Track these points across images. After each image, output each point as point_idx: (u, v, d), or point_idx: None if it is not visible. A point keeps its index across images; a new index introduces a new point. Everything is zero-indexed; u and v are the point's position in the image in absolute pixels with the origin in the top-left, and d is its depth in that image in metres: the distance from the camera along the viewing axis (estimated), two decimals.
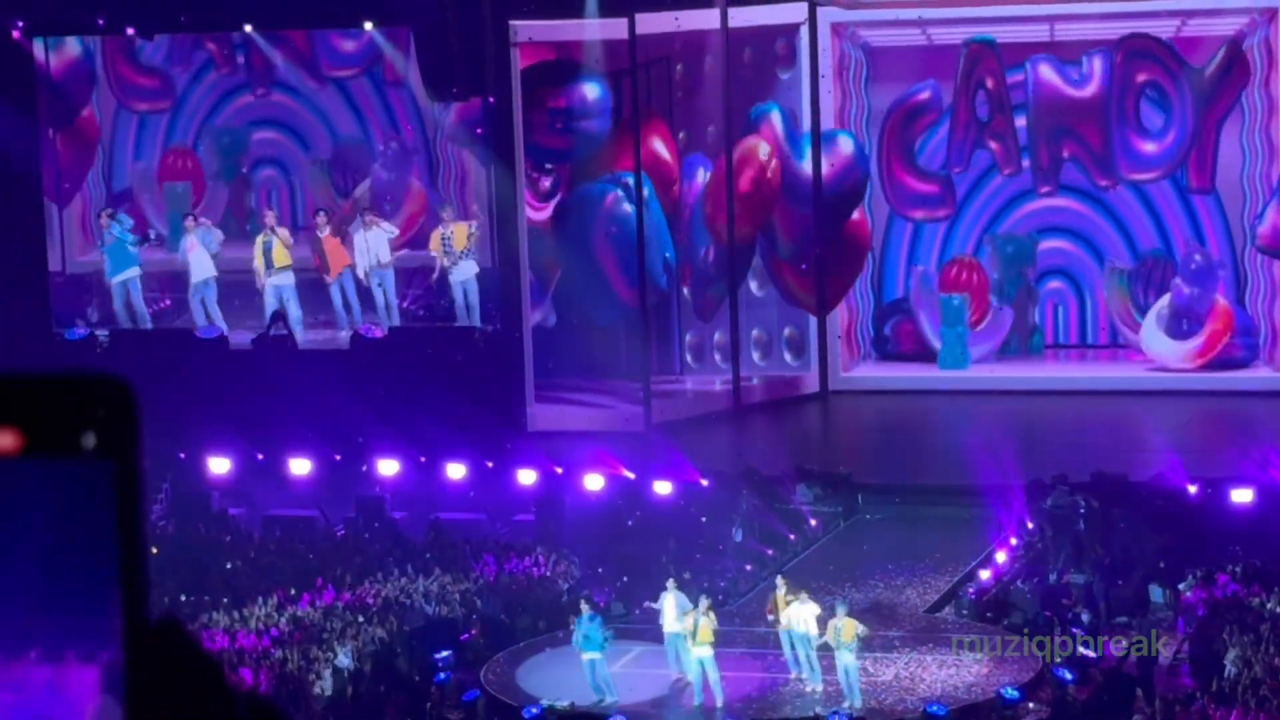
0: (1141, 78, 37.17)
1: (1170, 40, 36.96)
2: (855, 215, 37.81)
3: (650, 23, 35.49)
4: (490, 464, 32.12)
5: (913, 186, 38.66)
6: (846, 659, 23.66)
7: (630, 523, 29.86)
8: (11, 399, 2.37)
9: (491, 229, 34.85)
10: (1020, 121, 37.91)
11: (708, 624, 23.97)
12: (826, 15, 37.66)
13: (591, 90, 35.42)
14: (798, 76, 37.71)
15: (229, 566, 29.85)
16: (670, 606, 24.52)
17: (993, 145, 38.13)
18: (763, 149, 36.19)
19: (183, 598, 28.12)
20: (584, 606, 24.84)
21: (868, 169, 37.75)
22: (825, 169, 36.85)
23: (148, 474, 2.43)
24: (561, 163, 36.34)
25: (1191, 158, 37.27)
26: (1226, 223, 37.91)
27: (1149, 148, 37.42)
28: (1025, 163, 38.08)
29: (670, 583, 24.94)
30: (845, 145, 37.25)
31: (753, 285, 38.01)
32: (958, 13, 37.63)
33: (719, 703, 23.66)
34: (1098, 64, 37.39)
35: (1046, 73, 37.54)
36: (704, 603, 24.39)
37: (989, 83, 37.86)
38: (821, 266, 37.22)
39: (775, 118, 36.90)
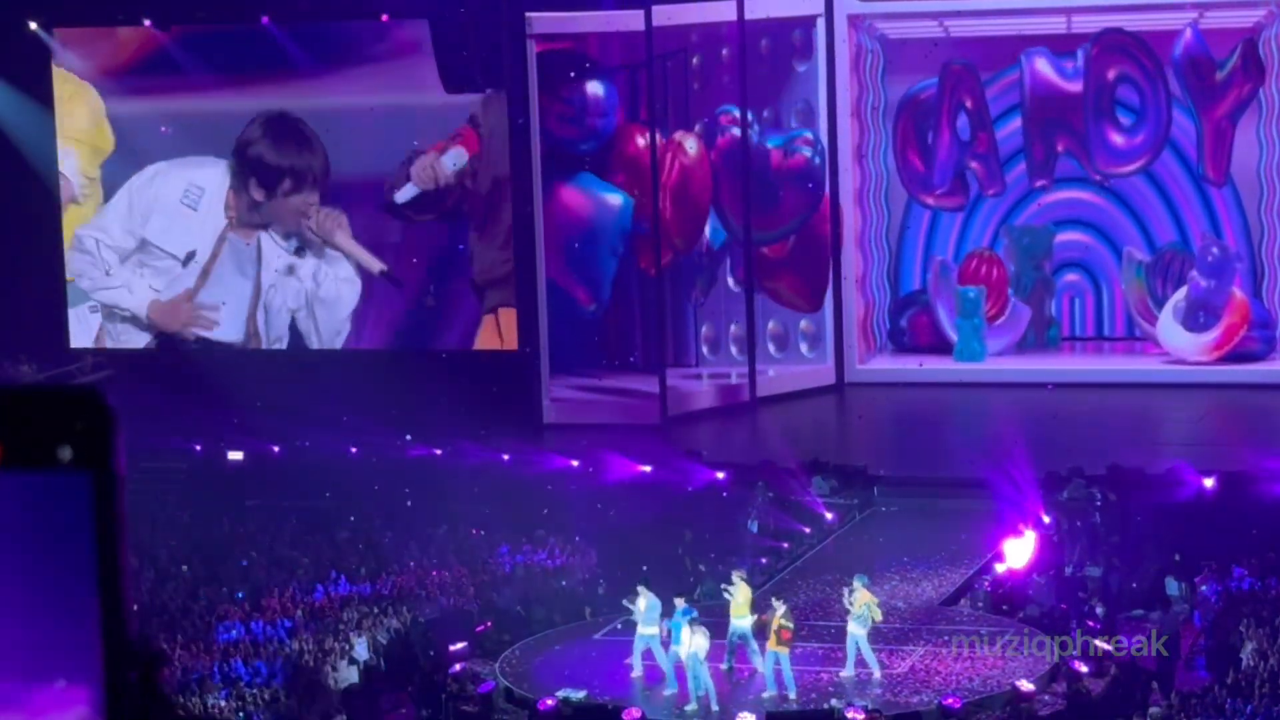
0: (1113, 73, 37.14)
1: (1180, 34, 36.87)
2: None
3: (666, 14, 35.48)
4: (506, 455, 32.13)
5: (926, 173, 38.68)
6: (855, 630, 23.68)
7: (645, 514, 29.81)
8: None
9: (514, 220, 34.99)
10: (1015, 125, 38.00)
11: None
12: (843, 7, 37.65)
13: (598, 87, 35.58)
14: (814, 68, 37.70)
15: (241, 561, 29.84)
16: (643, 606, 24.28)
17: (974, 165, 38.19)
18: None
19: (200, 590, 28.15)
20: (678, 601, 24.07)
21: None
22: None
23: (127, 480, 2.43)
24: (572, 153, 36.41)
25: (1206, 151, 37.22)
26: (1244, 215, 37.85)
27: (1120, 140, 37.42)
28: (1008, 178, 38.26)
29: (641, 586, 24.64)
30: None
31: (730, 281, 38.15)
32: (974, 4, 37.61)
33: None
34: (1082, 57, 37.46)
35: (1041, 66, 37.55)
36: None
37: (969, 103, 37.91)
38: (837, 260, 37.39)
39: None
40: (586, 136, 35.80)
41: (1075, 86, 37.39)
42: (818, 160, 37.26)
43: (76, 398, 2.39)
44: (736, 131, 36.73)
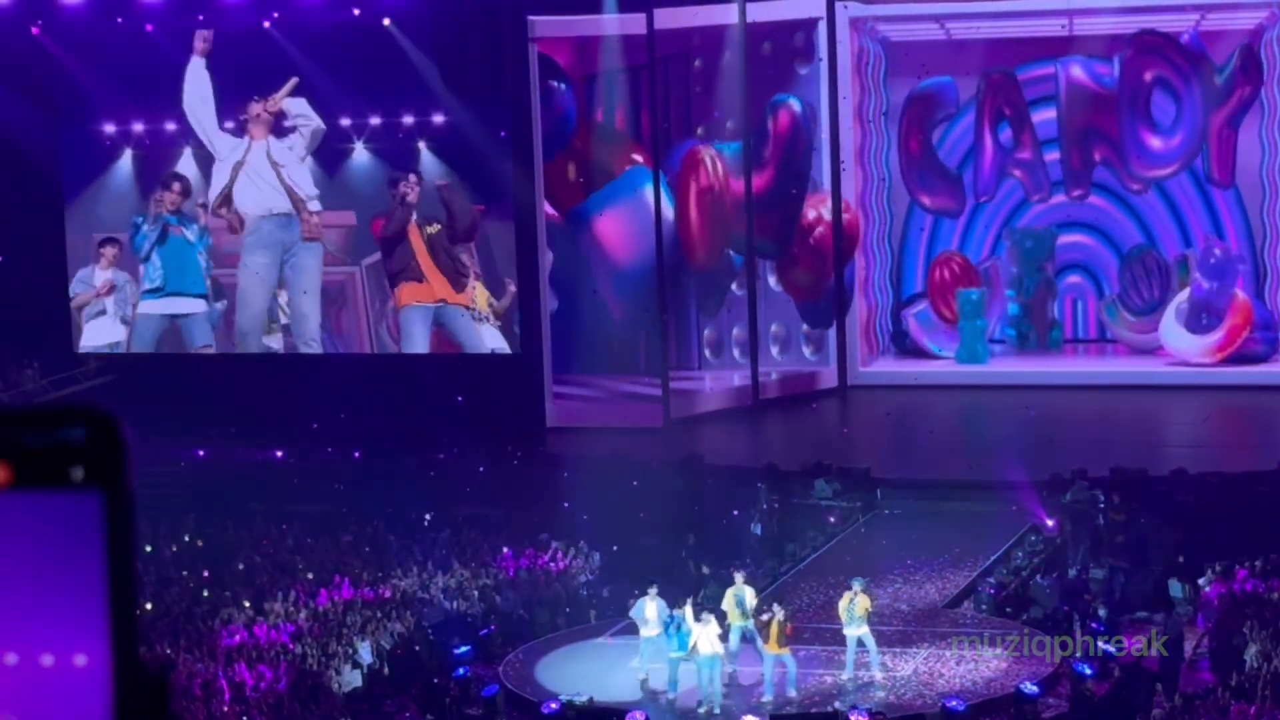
0: (1150, 75, 37.13)
1: (1180, 36, 36.87)
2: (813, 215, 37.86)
3: (668, 17, 35.47)
4: (509, 459, 32.12)
5: (929, 176, 38.73)
6: (861, 630, 23.67)
7: (649, 517, 29.81)
8: None
9: (515, 223, 34.95)
10: (1048, 114, 37.96)
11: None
12: (845, 9, 37.65)
13: (559, 88, 35.57)
14: (816, 71, 37.69)
15: (242, 565, 29.84)
16: (652, 612, 24.25)
17: (1017, 174, 38.22)
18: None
19: (204, 593, 28.17)
20: (689, 608, 24.04)
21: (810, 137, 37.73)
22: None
23: (137, 498, 2.45)
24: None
25: (1211, 152, 37.23)
26: (1246, 217, 37.85)
27: (1158, 144, 37.40)
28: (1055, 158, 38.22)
29: (651, 589, 24.60)
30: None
31: (771, 280, 38.04)
32: (976, 7, 37.61)
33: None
34: (1120, 63, 37.42)
35: (1076, 73, 37.55)
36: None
37: (1008, 112, 37.95)
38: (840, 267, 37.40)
39: (794, 105, 37.00)
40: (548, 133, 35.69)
41: (1109, 91, 37.39)
42: (801, 109, 37.09)
43: (87, 416, 2.41)
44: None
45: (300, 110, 35.58)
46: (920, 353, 38.84)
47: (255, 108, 35.69)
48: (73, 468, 2.39)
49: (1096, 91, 37.54)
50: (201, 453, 33.37)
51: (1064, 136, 37.80)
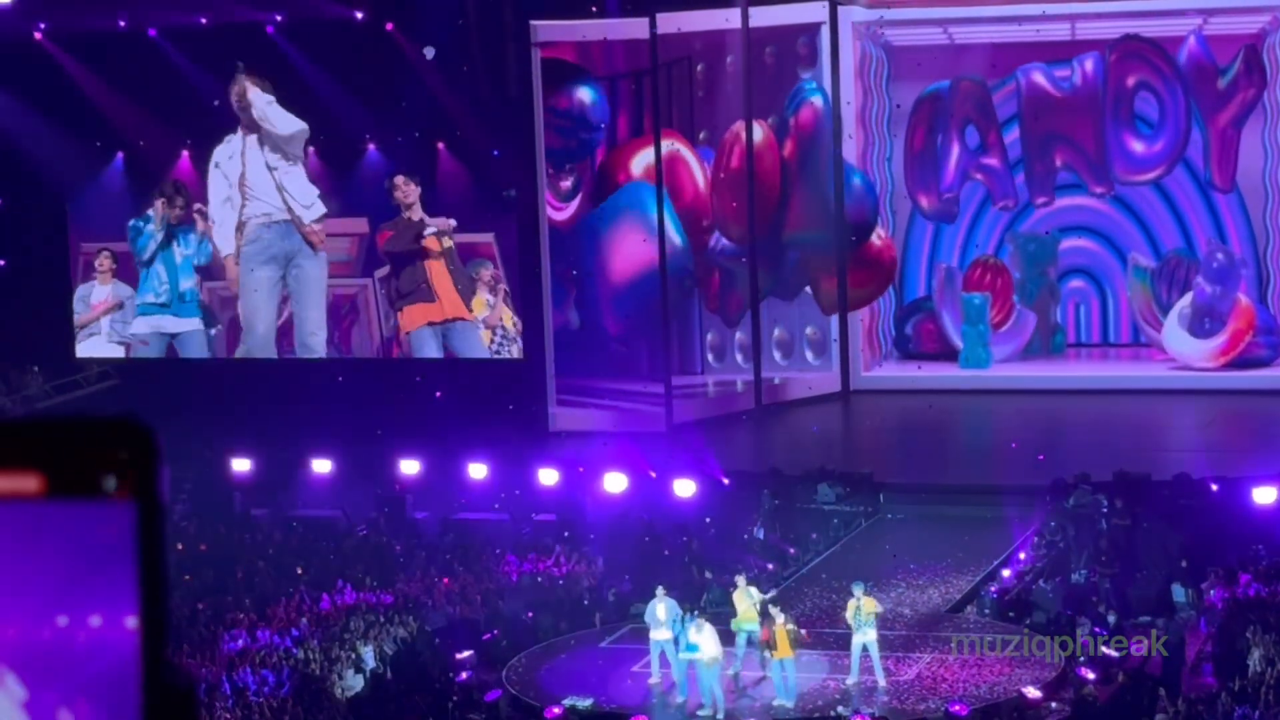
0: (1132, 80, 37.12)
1: (1184, 40, 36.86)
2: (876, 242, 37.93)
3: (671, 22, 35.45)
4: (512, 464, 32.11)
5: (928, 180, 38.74)
6: (868, 636, 23.67)
7: (651, 522, 29.81)
8: (34, 443, 2.40)
9: (517, 227, 34.92)
10: (1012, 135, 38.03)
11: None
12: (848, 14, 37.63)
13: (588, 95, 35.50)
14: (819, 76, 37.67)
15: (237, 571, 29.82)
16: (663, 613, 24.23)
17: (979, 176, 38.24)
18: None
19: (200, 606, 28.14)
20: (700, 616, 23.96)
21: (875, 206, 37.81)
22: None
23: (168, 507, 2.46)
24: (566, 164, 36.32)
25: (1213, 156, 37.21)
26: (1249, 221, 37.82)
27: (1140, 148, 37.36)
28: (1019, 179, 38.23)
29: (660, 590, 24.59)
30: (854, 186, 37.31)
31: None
32: (979, 11, 37.59)
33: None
34: (1090, 66, 37.38)
35: (1038, 79, 37.54)
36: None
37: (976, 116, 37.97)
38: (843, 270, 37.34)
39: (818, 101, 36.95)
40: (576, 148, 35.69)
41: (1074, 99, 37.40)
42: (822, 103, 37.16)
43: (121, 427, 2.42)
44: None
45: (275, 117, 35.16)
46: (924, 354, 38.77)
47: (233, 99, 35.38)
48: (106, 479, 2.40)
49: (1057, 97, 37.51)
50: (205, 455, 33.32)
51: (1026, 143, 37.81)
